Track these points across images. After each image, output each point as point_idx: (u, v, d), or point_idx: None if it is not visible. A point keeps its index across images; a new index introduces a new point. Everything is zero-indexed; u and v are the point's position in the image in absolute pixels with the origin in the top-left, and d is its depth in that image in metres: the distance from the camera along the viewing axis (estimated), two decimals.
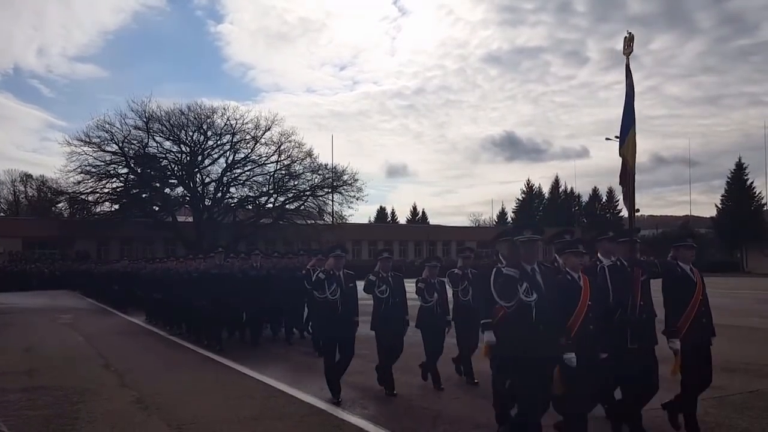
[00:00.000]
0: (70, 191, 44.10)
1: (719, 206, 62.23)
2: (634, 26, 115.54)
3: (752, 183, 61.44)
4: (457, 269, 8.03)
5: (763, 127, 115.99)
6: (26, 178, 62.70)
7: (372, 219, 72.33)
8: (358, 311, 7.16)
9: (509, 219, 77.80)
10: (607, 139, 52.14)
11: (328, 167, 48.50)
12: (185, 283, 12.06)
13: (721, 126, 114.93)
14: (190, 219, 47.05)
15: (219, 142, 46.44)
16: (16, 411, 6.56)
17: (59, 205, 49.68)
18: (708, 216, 66.81)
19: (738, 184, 60.99)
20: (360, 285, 7.23)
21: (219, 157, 47.08)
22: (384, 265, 7.23)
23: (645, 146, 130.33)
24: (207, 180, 47.29)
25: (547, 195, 78.33)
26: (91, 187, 43.95)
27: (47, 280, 35.23)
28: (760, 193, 61.20)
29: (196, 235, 43.48)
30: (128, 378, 8.42)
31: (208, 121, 45.37)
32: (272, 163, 47.42)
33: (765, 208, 60.02)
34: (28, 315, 19.13)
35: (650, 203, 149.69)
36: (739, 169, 61.59)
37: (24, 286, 32.67)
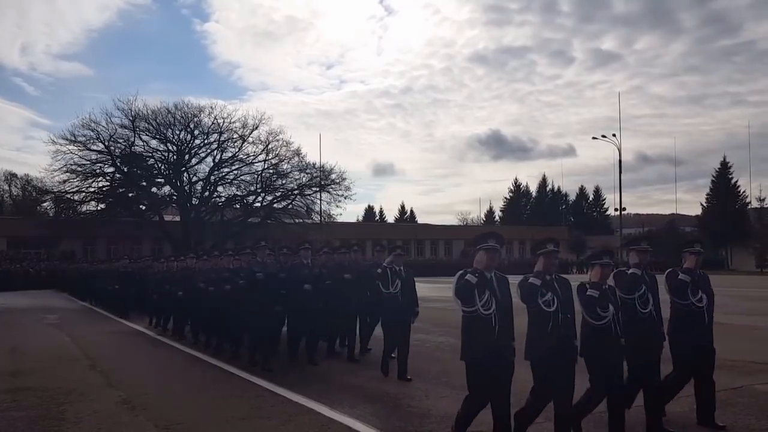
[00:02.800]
0: (55, 190, 43.72)
1: (704, 204, 62.92)
2: (619, 26, 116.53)
3: (737, 182, 62.27)
4: (631, 268, 5.65)
5: (747, 126, 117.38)
6: (10, 177, 62.25)
7: (360, 218, 72.48)
8: (514, 331, 4.96)
9: (497, 218, 78.14)
10: (594, 138, 52.40)
11: (315, 166, 48.47)
12: (214, 284, 10.13)
13: (705, 125, 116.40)
14: (177, 218, 46.80)
15: (206, 141, 46.29)
16: (1, 412, 6.50)
17: (44, 204, 49.30)
18: (693, 214, 67.56)
19: (723, 182, 61.70)
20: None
21: (206, 156, 46.99)
22: (549, 262, 4.95)
23: (630, 145, 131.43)
24: (194, 179, 47.14)
25: (534, 194, 78.77)
26: (76, 186, 43.64)
27: (32, 280, 34.84)
28: (744, 191, 61.92)
29: (183, 234, 43.28)
30: (115, 378, 8.37)
31: (195, 119, 45.20)
32: (260, 162, 47.32)
33: (749, 207, 60.69)
34: (12, 315, 18.93)
35: (636, 202, 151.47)
36: (724, 168, 62.31)
37: (8, 286, 32.30)
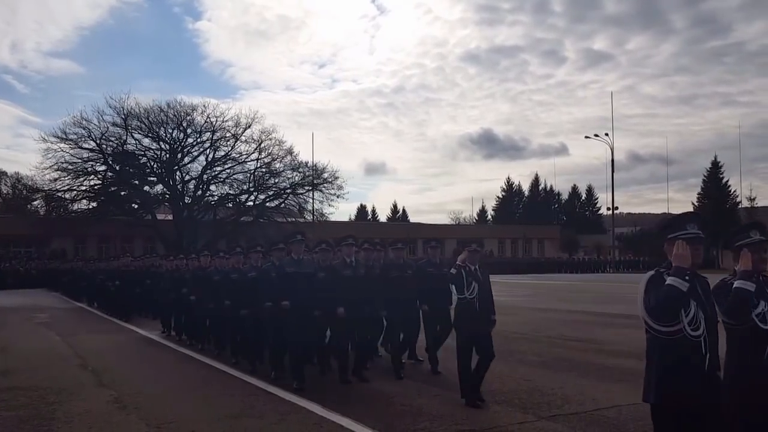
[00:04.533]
0: (46, 189, 43.49)
1: (695, 204, 63.23)
2: (610, 27, 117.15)
3: (727, 181, 62.63)
4: None
5: (737, 126, 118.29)
6: (0, 174, 61.79)
7: (352, 217, 72.36)
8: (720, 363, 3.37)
9: (489, 217, 78.26)
10: (586, 137, 52.64)
11: (308, 165, 48.46)
12: (236, 285, 9.06)
13: (696, 125, 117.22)
14: (170, 217, 46.65)
15: (199, 140, 46.19)
16: None
17: (35, 202, 48.96)
18: None
19: (714, 182, 62.07)
20: None
21: (199, 155, 46.90)
22: (758, 258, 3.42)
23: (622, 144, 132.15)
24: (187, 178, 47.06)
25: (526, 193, 78.94)
26: (67, 184, 43.45)
27: (23, 278, 34.66)
28: (735, 191, 62.33)
29: (176, 233, 43.13)
30: (106, 377, 8.32)
31: (188, 118, 45.10)
32: (253, 161, 47.31)
33: (740, 206, 61.06)
34: (2, 314, 18.78)
35: (628, 201, 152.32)
36: (715, 167, 62.69)
37: None
